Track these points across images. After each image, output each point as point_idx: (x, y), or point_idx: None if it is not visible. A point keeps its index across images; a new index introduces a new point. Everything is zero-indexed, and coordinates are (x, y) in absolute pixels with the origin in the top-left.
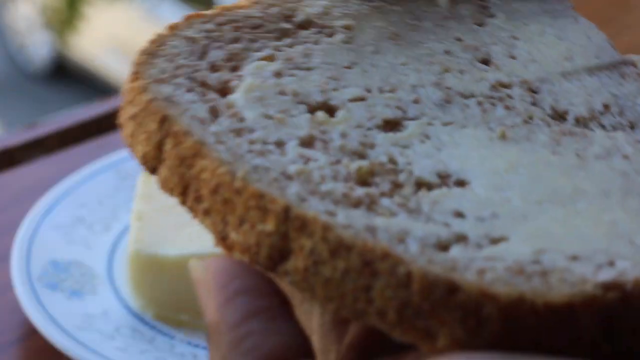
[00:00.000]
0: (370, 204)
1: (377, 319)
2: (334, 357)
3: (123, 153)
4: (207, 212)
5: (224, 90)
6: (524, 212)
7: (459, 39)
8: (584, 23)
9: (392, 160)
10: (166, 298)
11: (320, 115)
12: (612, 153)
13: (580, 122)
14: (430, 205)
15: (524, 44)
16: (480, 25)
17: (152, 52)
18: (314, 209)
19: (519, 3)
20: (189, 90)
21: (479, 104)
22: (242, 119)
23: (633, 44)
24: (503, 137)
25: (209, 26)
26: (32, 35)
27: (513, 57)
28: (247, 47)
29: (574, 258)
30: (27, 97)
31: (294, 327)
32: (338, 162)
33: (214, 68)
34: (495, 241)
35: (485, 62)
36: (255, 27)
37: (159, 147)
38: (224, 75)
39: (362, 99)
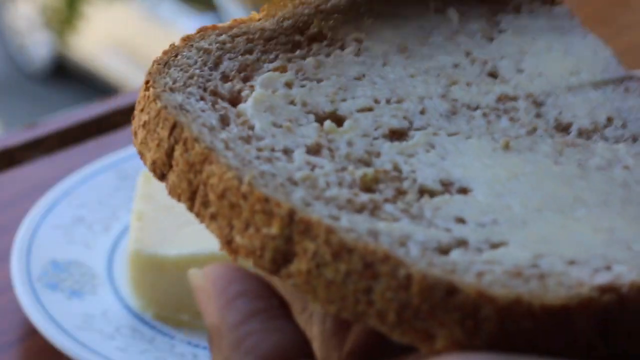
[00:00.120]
0: (374, 210)
1: (378, 320)
2: None
3: (123, 153)
4: (213, 217)
5: (235, 100)
6: (524, 218)
7: (468, 53)
8: (591, 39)
9: (396, 168)
10: (166, 298)
11: (328, 124)
12: (613, 164)
13: (583, 134)
14: (432, 211)
15: (532, 59)
16: (490, 40)
17: (166, 62)
18: (318, 213)
19: (528, 19)
20: (201, 99)
21: (484, 115)
22: (251, 127)
23: (633, 44)
24: (506, 147)
25: (223, 38)
26: (32, 35)
27: (520, 71)
28: (259, 59)
29: (572, 262)
30: (27, 97)
31: (293, 327)
32: (344, 169)
33: (226, 78)
34: (495, 246)
35: (493, 75)
36: (268, 39)
37: (169, 153)
38: (235, 85)
39: (369, 110)
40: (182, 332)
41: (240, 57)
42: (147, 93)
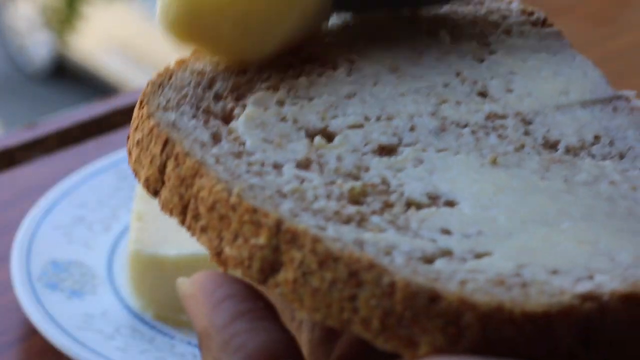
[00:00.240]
0: (361, 221)
1: (362, 327)
2: None
3: (123, 153)
4: (204, 229)
5: (227, 118)
6: (509, 230)
7: (458, 73)
8: (580, 60)
9: (384, 182)
10: (166, 298)
11: (318, 140)
12: (600, 180)
13: (571, 151)
14: (418, 222)
15: (522, 79)
16: (480, 61)
17: (160, 83)
18: (305, 223)
19: (519, 40)
20: (193, 117)
21: (473, 132)
22: (242, 143)
23: (633, 44)
24: (494, 163)
25: (217, 60)
26: (32, 35)
27: (510, 91)
28: (252, 78)
29: (555, 272)
30: (27, 97)
31: (280, 327)
32: (332, 182)
33: (218, 97)
34: (479, 256)
35: (483, 95)
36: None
37: (162, 170)
38: (228, 103)
39: (359, 126)
40: (182, 332)
41: (233, 77)
42: (141, 112)
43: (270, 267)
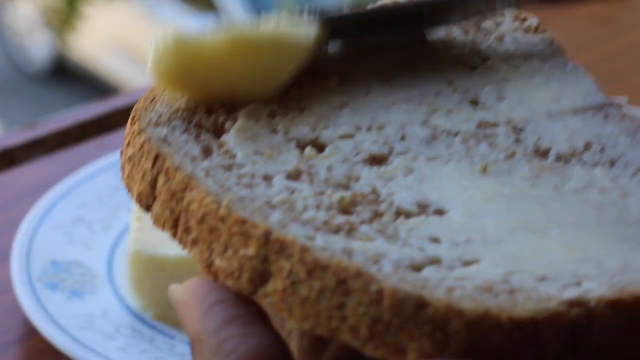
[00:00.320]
0: (350, 230)
1: (350, 335)
2: None
3: None
4: (194, 242)
5: (218, 131)
6: (498, 237)
7: (450, 82)
8: (572, 66)
9: (374, 192)
10: (166, 298)
11: (309, 150)
12: (590, 187)
13: (561, 159)
14: (407, 231)
15: (513, 87)
16: (472, 68)
17: (152, 98)
18: (294, 233)
19: (511, 48)
20: (185, 131)
21: (464, 141)
22: (233, 156)
23: (633, 44)
24: (484, 171)
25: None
26: (32, 35)
27: (501, 99)
28: None
29: (542, 279)
30: (27, 97)
31: (271, 331)
32: (322, 193)
33: (210, 111)
34: (467, 263)
35: (474, 103)
36: None
37: (153, 184)
38: (219, 116)
39: (350, 136)
40: (182, 332)
41: None
42: (132, 128)
43: (260, 278)
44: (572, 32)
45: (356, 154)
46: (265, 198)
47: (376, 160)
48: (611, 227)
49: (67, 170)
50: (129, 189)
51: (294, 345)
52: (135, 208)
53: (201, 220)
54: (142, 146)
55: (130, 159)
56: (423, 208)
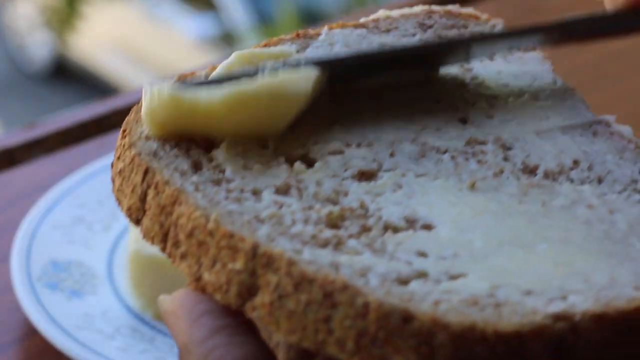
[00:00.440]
0: (337, 244)
1: (337, 348)
2: None
3: None
4: (183, 256)
5: (209, 146)
6: (485, 252)
7: (439, 100)
8: (561, 84)
9: (363, 206)
10: None
11: (298, 165)
12: (577, 203)
13: (550, 176)
14: (394, 245)
15: (503, 104)
16: (463, 87)
17: None
18: (282, 247)
19: (502, 66)
20: (174, 145)
21: (453, 158)
22: (222, 171)
23: (633, 44)
24: (473, 187)
25: None
26: (32, 35)
27: (490, 117)
28: None
29: (528, 293)
30: (27, 97)
31: (257, 341)
32: (310, 207)
33: None
34: (454, 277)
35: (463, 121)
36: None
37: (143, 198)
38: None
39: (340, 152)
40: None
41: None
42: (123, 141)
43: (248, 291)
44: None
45: (345, 170)
46: (254, 212)
47: (365, 176)
48: (598, 243)
49: (67, 170)
50: (119, 203)
51: (281, 358)
52: None
53: (190, 235)
54: (132, 160)
55: (120, 172)
56: (411, 223)
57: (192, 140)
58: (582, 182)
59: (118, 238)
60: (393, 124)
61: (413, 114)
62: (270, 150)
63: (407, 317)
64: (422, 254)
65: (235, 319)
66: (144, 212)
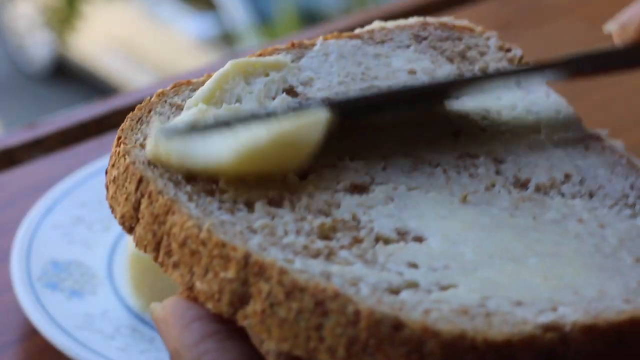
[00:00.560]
0: (329, 255)
1: (328, 356)
2: None
3: None
4: (176, 265)
5: None
6: (476, 264)
7: (432, 114)
8: (554, 98)
9: (355, 218)
10: (166, 298)
11: (291, 177)
12: (568, 217)
13: (541, 189)
14: (386, 256)
15: (495, 118)
16: (455, 99)
17: (139, 118)
18: (273, 256)
19: (495, 78)
20: None
21: (445, 171)
22: (216, 181)
23: None
24: (464, 201)
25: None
26: (32, 35)
27: (483, 130)
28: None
29: (519, 303)
30: (27, 97)
31: (248, 346)
32: (303, 218)
33: None
34: (444, 288)
35: (456, 134)
36: None
37: (136, 207)
38: None
39: (333, 165)
40: None
41: None
42: (117, 149)
43: (239, 300)
44: (572, 33)
45: (338, 182)
46: (247, 222)
47: (357, 188)
48: (589, 256)
49: (67, 170)
50: (113, 210)
51: None
52: None
53: (183, 244)
54: (126, 168)
55: (114, 180)
56: (402, 235)
57: None
58: (574, 197)
59: (118, 238)
60: (386, 137)
61: (406, 127)
62: None
63: (397, 325)
64: (413, 265)
65: (225, 324)
66: (137, 220)
